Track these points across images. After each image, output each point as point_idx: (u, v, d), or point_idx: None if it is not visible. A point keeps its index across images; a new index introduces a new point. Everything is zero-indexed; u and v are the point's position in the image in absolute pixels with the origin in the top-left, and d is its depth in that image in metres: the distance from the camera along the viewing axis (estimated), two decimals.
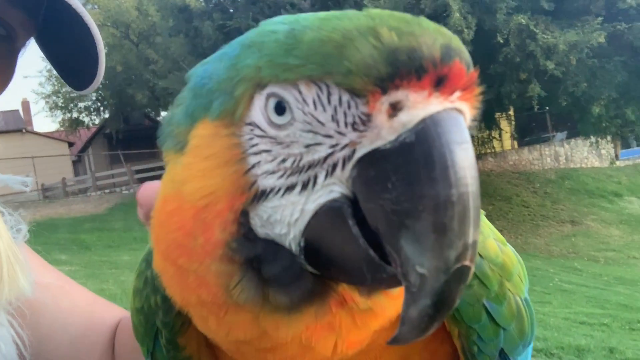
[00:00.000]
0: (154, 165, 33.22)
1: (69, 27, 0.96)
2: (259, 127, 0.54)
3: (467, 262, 0.48)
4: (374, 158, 0.50)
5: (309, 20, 0.53)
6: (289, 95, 0.52)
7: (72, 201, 24.75)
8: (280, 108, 0.53)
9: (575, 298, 11.10)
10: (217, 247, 0.55)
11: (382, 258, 0.51)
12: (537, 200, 23.45)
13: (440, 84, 0.48)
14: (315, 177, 0.53)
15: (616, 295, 11.91)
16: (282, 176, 0.54)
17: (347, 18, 0.51)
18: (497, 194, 23.33)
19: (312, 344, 0.58)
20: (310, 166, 0.53)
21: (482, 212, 0.66)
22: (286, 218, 0.54)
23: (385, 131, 0.49)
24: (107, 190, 29.58)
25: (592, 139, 23.01)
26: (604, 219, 22.52)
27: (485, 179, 23.61)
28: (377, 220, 0.50)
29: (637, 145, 33.49)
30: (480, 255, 0.68)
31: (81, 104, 36.87)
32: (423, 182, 0.47)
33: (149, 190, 0.75)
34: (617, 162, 31.07)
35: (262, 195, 0.55)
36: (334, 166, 0.52)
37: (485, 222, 0.73)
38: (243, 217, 0.55)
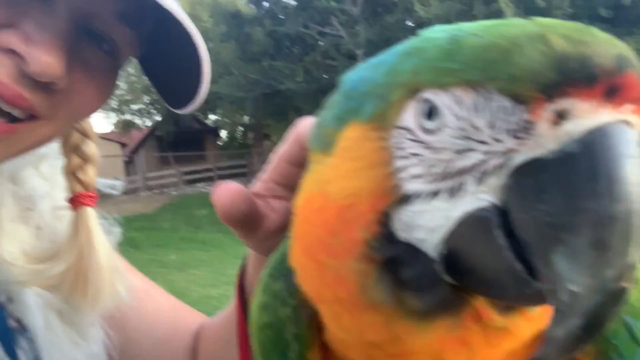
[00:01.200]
0: (202, 168, 33.90)
1: (175, 46, 0.95)
2: (409, 131, 0.53)
3: (624, 283, 0.45)
4: (532, 167, 0.47)
5: (473, 27, 0.52)
6: (444, 100, 0.51)
7: (123, 200, 25.51)
8: (432, 113, 0.51)
9: None
10: (357, 246, 0.54)
11: (528, 273, 0.48)
12: None
13: (612, 94, 0.45)
14: (464, 185, 0.51)
15: None
16: (428, 181, 0.52)
17: (513, 25, 0.50)
18: None
19: (443, 357, 0.56)
20: (460, 173, 0.51)
21: None
22: (428, 224, 0.52)
23: (548, 140, 0.46)
24: (156, 191, 30.39)
25: None
26: None
27: None
28: (529, 233, 0.47)
29: None
30: None
31: (134, 107, 38.06)
32: (586, 195, 0.44)
33: (224, 190, 0.79)
34: None
35: (406, 199, 0.53)
36: (485, 174, 0.50)
37: None
38: (385, 219, 0.54)
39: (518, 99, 0.47)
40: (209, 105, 32.00)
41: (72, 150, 1.08)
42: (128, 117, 38.29)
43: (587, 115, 0.45)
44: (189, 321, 1.31)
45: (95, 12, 0.88)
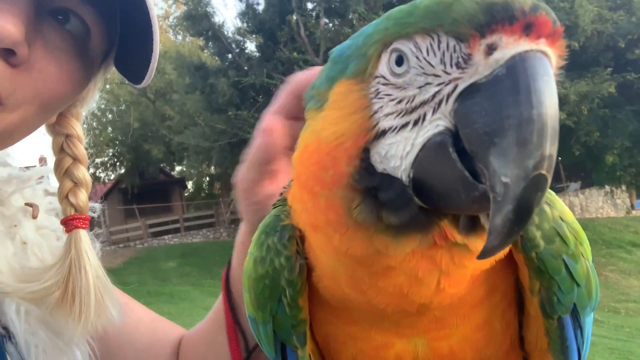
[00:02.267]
0: (168, 219, 33.40)
1: (135, 25, 0.97)
2: (383, 77, 0.66)
3: (543, 171, 0.56)
4: (472, 91, 0.60)
5: None
6: (407, 47, 0.64)
7: None
8: (400, 60, 0.65)
9: (598, 350, 10.74)
10: (343, 177, 0.67)
11: (476, 180, 0.59)
12: None
13: (529, 29, 0.58)
14: (425, 115, 0.63)
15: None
16: (398, 116, 0.65)
17: None
18: None
19: (417, 274, 0.68)
20: (421, 104, 0.64)
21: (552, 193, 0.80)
22: (399, 152, 0.65)
23: (482, 67, 0.59)
24: (121, 245, 29.69)
25: (607, 188, 22.82)
26: (622, 269, 22.02)
27: None
28: (472, 143, 0.59)
29: None
30: (561, 218, 0.79)
31: (98, 160, 37.59)
32: (509, 105, 0.56)
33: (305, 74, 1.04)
34: (634, 212, 30.65)
35: (381, 134, 0.66)
36: (440, 102, 0.62)
37: (561, 203, 0.83)
38: (364, 154, 0.67)
39: (459, 38, 0.60)
40: (175, 156, 31.87)
41: (64, 174, 1.12)
42: (92, 170, 37.69)
43: (510, 46, 0.58)
44: (168, 331, 1.36)
45: None
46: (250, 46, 23.01)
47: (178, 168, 41.17)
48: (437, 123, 0.62)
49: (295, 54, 18.69)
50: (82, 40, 0.97)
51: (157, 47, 0.96)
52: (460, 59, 0.61)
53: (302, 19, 19.13)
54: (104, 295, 1.08)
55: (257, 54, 22.04)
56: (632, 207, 30.93)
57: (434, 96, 0.62)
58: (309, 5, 20.77)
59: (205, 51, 25.20)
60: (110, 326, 1.15)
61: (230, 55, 22.23)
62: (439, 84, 0.62)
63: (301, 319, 0.84)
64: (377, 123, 0.66)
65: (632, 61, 18.07)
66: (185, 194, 43.02)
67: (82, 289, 1.05)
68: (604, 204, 29.94)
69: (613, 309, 18.00)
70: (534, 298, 0.81)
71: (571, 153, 18.31)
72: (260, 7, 21.78)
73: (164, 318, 1.42)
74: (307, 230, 0.78)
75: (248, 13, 21.97)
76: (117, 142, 37.75)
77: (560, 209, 0.81)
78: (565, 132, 17.10)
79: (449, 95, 0.61)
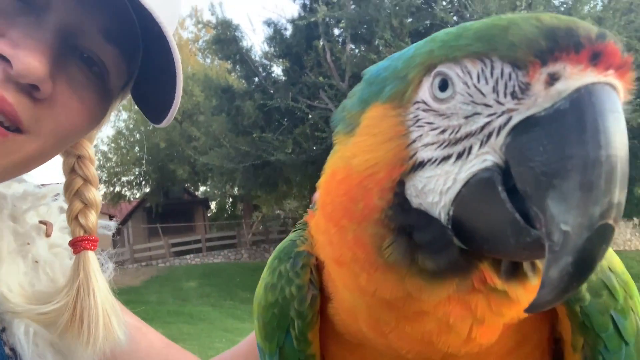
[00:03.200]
0: (191, 239, 33.58)
1: (155, 65, 0.99)
2: (424, 103, 0.61)
3: (610, 221, 0.50)
4: (528, 124, 0.54)
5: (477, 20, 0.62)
6: (454, 71, 0.58)
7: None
8: (444, 85, 0.59)
9: None
10: (375, 211, 0.62)
11: (528, 223, 0.53)
12: None
13: (596, 59, 0.52)
14: (470, 148, 0.58)
15: None
16: (439, 147, 0.59)
17: (509, 15, 0.58)
18: None
19: (449, 320, 0.60)
20: (467, 136, 0.58)
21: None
22: (439, 187, 0.59)
23: (542, 99, 0.53)
24: (143, 263, 29.89)
25: (635, 220, 22.27)
26: None
27: None
28: (526, 183, 0.53)
29: None
30: (610, 269, 0.72)
31: (124, 178, 38.15)
32: (573, 144, 0.50)
33: None
34: None
35: (419, 166, 0.61)
36: (489, 135, 0.56)
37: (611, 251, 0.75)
38: (399, 187, 0.61)
39: (517, 64, 0.54)
40: (199, 176, 32.17)
41: (74, 195, 1.12)
42: (118, 188, 38.24)
43: (575, 76, 0.51)
44: (180, 357, 1.35)
45: (81, 29, 0.93)
46: (277, 70, 23.31)
47: (202, 188, 41.51)
48: (484, 157, 0.56)
49: (320, 78, 18.85)
50: (103, 76, 0.99)
51: (180, 92, 0.97)
52: (517, 88, 0.55)
53: (329, 45, 19.32)
54: (111, 317, 1.08)
55: (283, 78, 22.29)
56: None
57: (482, 127, 0.57)
58: (336, 31, 20.99)
59: (233, 74, 25.56)
60: (121, 351, 1.14)
61: (256, 79, 22.52)
62: (489, 115, 0.56)
63: (310, 354, 0.78)
64: (415, 153, 0.61)
65: None
66: (209, 214, 43.28)
67: (91, 311, 1.05)
68: (632, 236, 29.21)
69: None
70: (576, 355, 0.73)
71: None
72: (288, 33, 22.09)
73: (176, 345, 1.41)
74: (329, 264, 0.72)
75: (275, 38, 22.30)
76: (144, 162, 38.29)
77: (609, 258, 0.74)
78: None
79: (500, 128, 0.55)
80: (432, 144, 0.60)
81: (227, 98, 22.71)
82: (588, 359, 0.72)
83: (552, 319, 0.74)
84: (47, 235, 1.17)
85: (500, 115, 0.56)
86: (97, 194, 1.14)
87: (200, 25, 39.81)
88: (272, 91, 21.25)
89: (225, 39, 22.19)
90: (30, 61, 0.84)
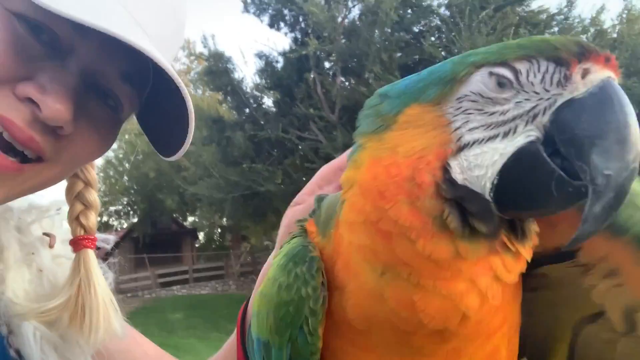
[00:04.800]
0: (178, 270, 33.18)
1: (166, 101, 1.05)
2: (473, 94, 0.76)
3: (637, 164, 0.67)
4: (567, 105, 0.72)
5: None
6: (505, 70, 0.75)
7: None
8: (496, 79, 0.75)
9: None
10: (429, 187, 0.74)
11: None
12: None
13: (607, 61, 0.73)
14: (516, 127, 0.74)
15: None
16: (487, 129, 0.75)
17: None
18: None
19: (476, 279, 0.75)
20: (514, 118, 0.74)
21: None
22: (486, 161, 0.74)
23: (580, 86, 0.72)
24: (129, 294, 29.44)
25: None
26: None
27: None
28: (572, 145, 0.70)
29: None
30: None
31: (112, 208, 37.87)
32: (608, 114, 0.69)
33: None
34: None
35: (464, 147, 0.75)
36: (535, 115, 0.73)
37: None
38: (447, 167, 0.75)
39: (560, 63, 0.73)
40: (188, 206, 32.00)
41: (75, 197, 1.20)
42: (105, 218, 37.93)
43: (599, 72, 0.72)
44: None
45: (102, 72, 1.01)
46: (268, 101, 23.44)
47: (190, 218, 41.29)
48: (529, 133, 0.73)
49: (311, 110, 19.00)
50: (117, 109, 1.07)
51: (192, 127, 1.03)
52: (561, 79, 0.73)
53: (319, 77, 19.55)
54: (110, 311, 1.15)
55: (274, 109, 22.43)
56: None
57: (529, 110, 0.74)
58: (327, 64, 21.25)
59: (224, 105, 25.70)
60: (117, 358, 1.19)
61: (247, 110, 22.65)
62: (538, 100, 0.74)
63: (318, 347, 0.89)
64: (460, 137, 0.75)
65: None
66: (196, 245, 42.93)
67: (92, 304, 1.11)
68: None
69: None
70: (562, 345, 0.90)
71: None
72: (279, 65, 22.32)
73: (168, 354, 1.46)
74: (355, 255, 0.83)
75: (267, 70, 22.51)
76: (132, 191, 38.10)
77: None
78: None
79: (546, 109, 0.73)
80: (479, 127, 0.75)
81: (218, 129, 22.79)
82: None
83: (518, 303, 0.90)
84: (51, 246, 1.23)
85: (547, 100, 0.73)
86: (96, 196, 1.22)
87: (192, 57, 40.23)
88: (262, 122, 21.37)
89: (217, 71, 22.39)
90: (58, 107, 0.92)
